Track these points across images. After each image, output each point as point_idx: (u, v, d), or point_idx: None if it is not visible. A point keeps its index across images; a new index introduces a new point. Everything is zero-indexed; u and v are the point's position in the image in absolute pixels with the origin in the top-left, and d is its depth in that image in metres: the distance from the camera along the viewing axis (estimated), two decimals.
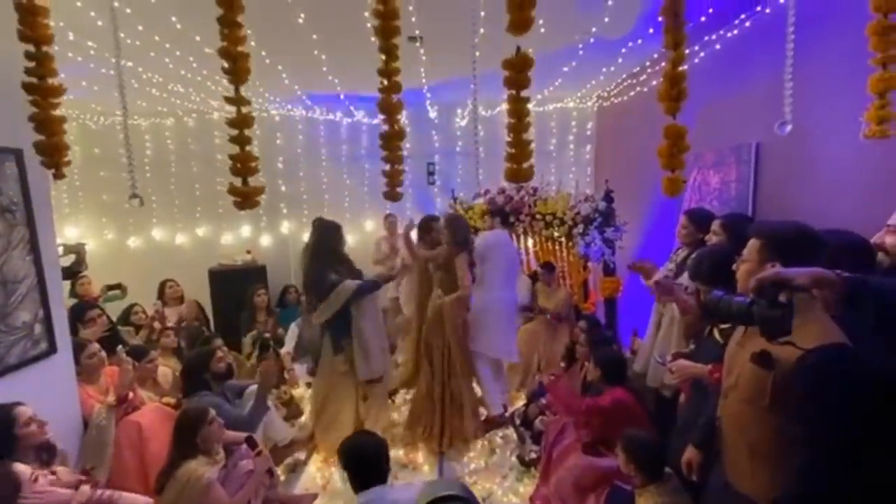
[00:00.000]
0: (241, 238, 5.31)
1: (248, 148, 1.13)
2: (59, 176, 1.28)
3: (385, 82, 1.17)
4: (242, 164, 1.11)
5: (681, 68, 1.21)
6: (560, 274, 4.37)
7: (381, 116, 1.20)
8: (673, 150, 1.23)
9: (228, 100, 1.11)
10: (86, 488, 1.84)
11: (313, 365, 3.58)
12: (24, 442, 1.85)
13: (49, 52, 1.14)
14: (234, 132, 1.12)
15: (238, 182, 1.12)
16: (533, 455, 2.88)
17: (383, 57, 1.15)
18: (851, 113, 1.93)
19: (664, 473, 1.86)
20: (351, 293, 2.89)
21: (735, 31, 2.70)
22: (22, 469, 1.74)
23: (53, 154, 1.22)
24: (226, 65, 1.07)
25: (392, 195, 1.25)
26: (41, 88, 1.16)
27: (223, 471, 2.20)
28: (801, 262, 1.28)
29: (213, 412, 2.22)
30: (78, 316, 3.11)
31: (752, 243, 1.36)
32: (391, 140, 1.19)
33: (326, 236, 2.99)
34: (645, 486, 1.88)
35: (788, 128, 1.22)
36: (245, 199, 1.12)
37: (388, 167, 1.23)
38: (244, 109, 1.10)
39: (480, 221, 4.07)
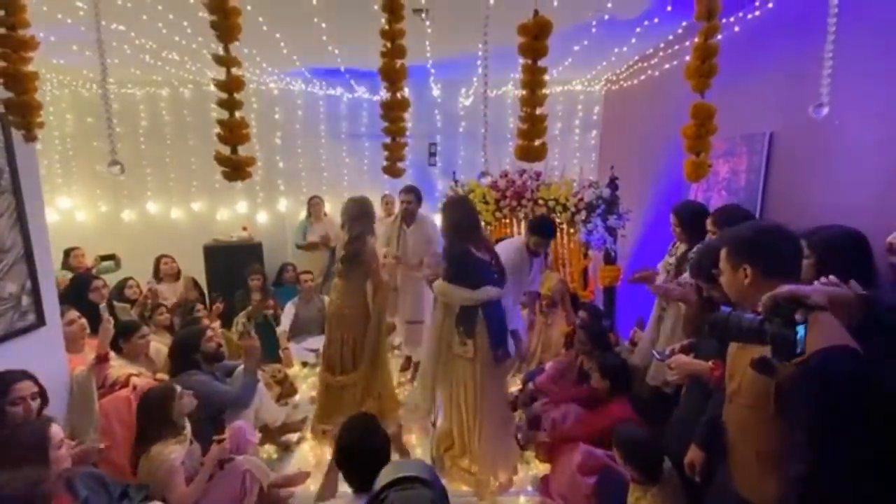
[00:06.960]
0: (237, 214, 5.22)
1: (238, 113, 1.04)
2: (30, 138, 1.19)
3: (388, 45, 1.07)
4: (232, 131, 1.02)
5: (713, 41, 1.11)
6: (560, 261, 4.30)
7: (384, 84, 1.11)
8: (700, 132, 1.13)
9: (217, 59, 1.01)
10: None
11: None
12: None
13: (20, 1, 1.04)
14: (223, 95, 1.03)
15: (227, 151, 1.03)
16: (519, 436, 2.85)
17: (387, 16, 1.05)
18: (875, 101, 1.84)
19: (663, 474, 1.83)
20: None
21: (756, 13, 2.57)
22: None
23: (25, 113, 1.12)
24: (214, 19, 0.97)
25: (392, 170, 1.15)
26: (12, 40, 1.05)
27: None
28: (772, 261, 1.22)
29: (178, 389, 2.14)
30: (83, 286, 3.05)
31: (721, 253, 1.31)
32: (393, 110, 1.09)
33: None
34: (642, 483, 1.84)
35: (825, 110, 1.13)
36: (235, 169, 1.04)
37: (389, 140, 1.14)
38: (235, 71, 1.01)
39: (483, 205, 3.96)
